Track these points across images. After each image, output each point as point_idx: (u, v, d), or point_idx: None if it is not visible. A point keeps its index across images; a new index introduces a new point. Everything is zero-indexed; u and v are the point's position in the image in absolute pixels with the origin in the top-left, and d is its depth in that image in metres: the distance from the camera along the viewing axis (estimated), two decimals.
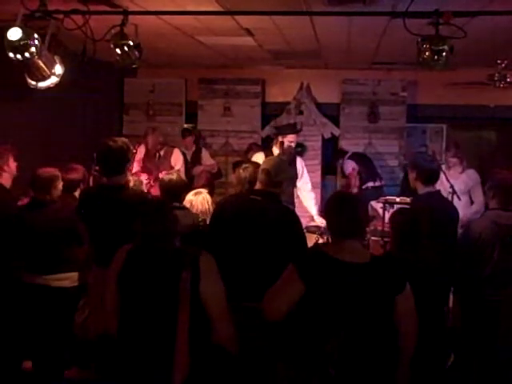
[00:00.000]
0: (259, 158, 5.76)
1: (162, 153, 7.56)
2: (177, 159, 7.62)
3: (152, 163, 7.36)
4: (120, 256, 3.08)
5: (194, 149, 8.27)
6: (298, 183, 6.32)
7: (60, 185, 4.59)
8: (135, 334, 2.98)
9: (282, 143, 6.06)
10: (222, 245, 3.89)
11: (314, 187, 7.74)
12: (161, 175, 5.79)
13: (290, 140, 5.95)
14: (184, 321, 2.84)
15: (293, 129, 6.41)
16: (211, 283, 2.96)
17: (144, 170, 7.25)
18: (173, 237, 3.06)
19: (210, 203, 4.70)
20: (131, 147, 4.20)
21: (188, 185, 4.56)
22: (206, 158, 8.37)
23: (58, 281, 4.45)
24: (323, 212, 3.11)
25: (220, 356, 3.04)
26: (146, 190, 6.22)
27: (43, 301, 4.42)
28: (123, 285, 3.02)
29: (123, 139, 4.24)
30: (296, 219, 3.97)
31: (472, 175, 6.62)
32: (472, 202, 6.47)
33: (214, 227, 4.08)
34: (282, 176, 4.03)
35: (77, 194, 4.94)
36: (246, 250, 3.82)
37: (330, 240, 3.25)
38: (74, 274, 4.53)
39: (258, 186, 4.02)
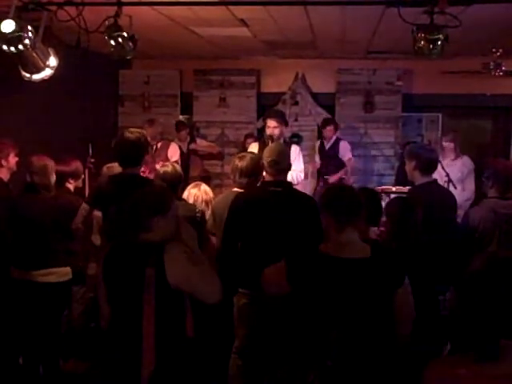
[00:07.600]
0: (254, 148, 5.78)
1: (158, 145, 7.62)
2: (173, 152, 7.72)
3: (149, 155, 7.38)
4: (103, 255, 3.15)
5: (188, 140, 8.37)
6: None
7: (54, 173, 4.53)
8: (113, 329, 3.04)
9: (264, 129, 6.08)
10: (246, 238, 4.00)
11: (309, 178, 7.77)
12: (157, 166, 5.80)
13: (269, 125, 5.94)
14: (149, 316, 2.84)
15: (273, 113, 6.37)
16: (177, 270, 2.89)
17: None
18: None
19: (211, 193, 4.76)
20: (149, 139, 4.17)
21: (183, 176, 4.58)
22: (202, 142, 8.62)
23: (43, 276, 4.35)
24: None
25: (192, 349, 3.06)
26: None
27: (29, 297, 4.34)
28: (105, 282, 3.07)
29: (140, 131, 4.22)
30: (315, 204, 4.07)
31: (467, 162, 6.63)
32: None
33: (236, 221, 4.08)
34: (288, 161, 4.17)
35: (71, 187, 4.88)
36: (276, 242, 3.86)
37: None
38: (62, 270, 4.43)
39: (267, 177, 4.12)
